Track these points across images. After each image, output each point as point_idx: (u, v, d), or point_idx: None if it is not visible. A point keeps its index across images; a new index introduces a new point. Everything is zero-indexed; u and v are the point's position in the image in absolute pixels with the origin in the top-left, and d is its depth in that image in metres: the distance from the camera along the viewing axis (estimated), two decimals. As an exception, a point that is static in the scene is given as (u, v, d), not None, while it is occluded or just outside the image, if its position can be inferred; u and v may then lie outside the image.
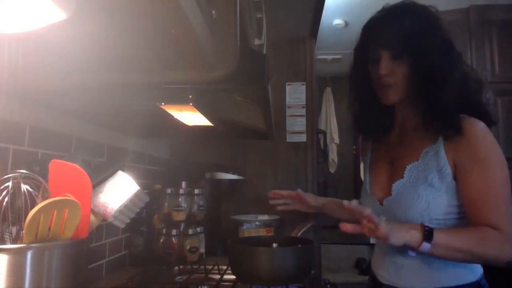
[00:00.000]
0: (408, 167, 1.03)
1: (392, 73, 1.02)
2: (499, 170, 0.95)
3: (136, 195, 0.96)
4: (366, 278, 0.96)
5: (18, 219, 0.67)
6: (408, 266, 1.01)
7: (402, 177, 1.04)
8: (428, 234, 0.89)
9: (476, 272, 1.00)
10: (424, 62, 0.98)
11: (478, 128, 0.97)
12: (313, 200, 1.57)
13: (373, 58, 1.05)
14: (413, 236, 0.90)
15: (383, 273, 1.08)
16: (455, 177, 0.98)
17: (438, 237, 0.89)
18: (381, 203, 1.08)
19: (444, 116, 0.98)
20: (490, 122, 1.01)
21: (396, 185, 1.04)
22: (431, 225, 0.93)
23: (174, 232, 1.44)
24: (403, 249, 0.96)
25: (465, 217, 0.98)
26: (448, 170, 0.97)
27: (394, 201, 1.04)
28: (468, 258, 0.95)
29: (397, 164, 1.07)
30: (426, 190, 0.98)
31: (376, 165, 1.16)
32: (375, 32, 1.06)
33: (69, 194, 0.71)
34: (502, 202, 0.94)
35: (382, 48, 1.02)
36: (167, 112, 0.93)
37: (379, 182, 1.12)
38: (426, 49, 0.98)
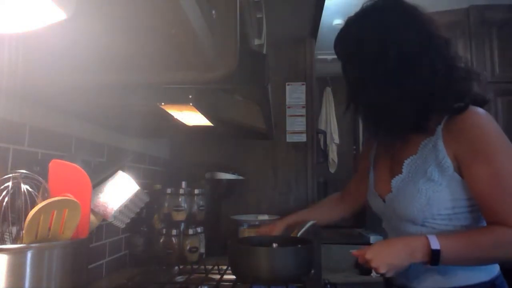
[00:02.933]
0: (406, 161, 1.00)
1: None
2: (505, 161, 0.88)
3: (136, 195, 0.96)
4: (366, 278, 0.96)
5: (18, 219, 0.67)
6: (417, 266, 0.95)
7: (401, 172, 1.00)
8: (434, 257, 0.85)
9: (490, 271, 0.96)
10: (359, 68, 1.01)
11: (476, 117, 0.91)
12: (276, 229, 1.33)
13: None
14: (417, 258, 0.86)
15: None
16: (458, 170, 0.92)
17: (445, 255, 0.84)
18: (384, 200, 1.05)
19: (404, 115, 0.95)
20: (483, 104, 0.97)
21: (395, 181, 1.01)
22: (433, 224, 0.92)
23: (174, 232, 1.44)
24: None
25: (475, 210, 0.93)
26: (448, 163, 0.92)
27: (394, 198, 1.01)
28: (482, 263, 0.93)
29: (397, 159, 1.04)
30: (426, 185, 0.94)
31: (379, 160, 1.13)
32: (335, 47, 1.09)
33: (69, 194, 0.71)
34: (511, 196, 0.87)
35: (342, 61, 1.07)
36: (167, 112, 0.93)
37: (382, 178, 1.09)
38: (358, 56, 1.00)
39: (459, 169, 0.92)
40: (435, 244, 0.85)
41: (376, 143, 1.18)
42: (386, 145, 1.11)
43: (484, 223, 0.95)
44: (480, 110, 0.93)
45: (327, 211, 1.40)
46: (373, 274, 0.92)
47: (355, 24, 1.03)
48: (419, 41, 0.94)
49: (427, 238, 0.86)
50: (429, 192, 0.93)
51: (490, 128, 0.91)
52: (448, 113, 0.95)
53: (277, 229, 1.33)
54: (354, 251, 0.94)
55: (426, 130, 0.96)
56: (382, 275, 0.88)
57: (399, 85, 0.94)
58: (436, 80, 0.93)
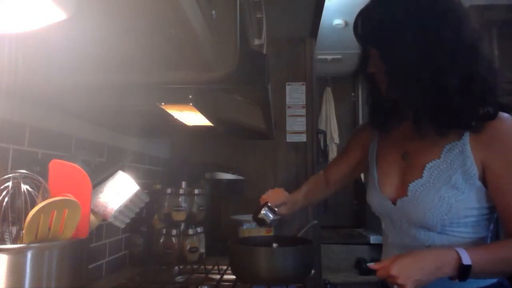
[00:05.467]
0: (428, 165, 0.93)
1: (380, 70, 0.96)
2: None
3: (136, 195, 0.96)
4: (366, 278, 0.94)
5: (18, 219, 0.67)
6: None
7: (421, 177, 0.93)
8: (464, 273, 0.80)
9: None
10: (390, 56, 0.91)
11: (507, 123, 0.87)
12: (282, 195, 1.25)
13: (364, 54, 1.01)
14: (446, 273, 0.82)
15: None
16: (481, 178, 0.88)
17: (474, 270, 0.80)
18: (394, 203, 0.98)
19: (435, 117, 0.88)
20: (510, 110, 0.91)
21: (413, 186, 0.94)
22: (448, 231, 0.89)
23: (174, 232, 1.44)
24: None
25: (490, 219, 0.91)
26: (474, 170, 0.87)
27: (410, 203, 0.94)
28: (502, 275, 0.91)
29: (413, 161, 0.97)
30: (449, 192, 0.88)
31: (386, 159, 1.06)
32: (355, 27, 0.99)
33: (69, 194, 0.71)
34: None
35: (367, 44, 0.98)
36: (167, 112, 0.92)
37: (391, 179, 1.01)
38: (393, 42, 0.89)
39: (482, 177, 0.88)
40: (466, 259, 0.80)
41: (379, 138, 1.11)
42: (394, 143, 1.04)
43: (490, 230, 0.94)
44: (508, 115, 0.89)
45: (313, 193, 1.33)
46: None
47: (388, 2, 0.94)
48: (455, 27, 0.87)
49: (457, 253, 0.81)
50: (451, 200, 0.88)
51: None
52: (475, 117, 0.88)
53: (281, 197, 1.21)
54: (372, 265, 0.87)
55: (452, 129, 0.90)
56: None
57: (434, 73, 0.86)
58: (472, 73, 0.87)
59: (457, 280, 0.82)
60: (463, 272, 0.80)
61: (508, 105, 0.92)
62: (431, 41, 0.87)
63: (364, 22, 0.98)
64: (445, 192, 0.89)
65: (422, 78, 0.88)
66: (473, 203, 0.89)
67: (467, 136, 0.90)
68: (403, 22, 0.89)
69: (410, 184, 0.95)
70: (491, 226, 0.95)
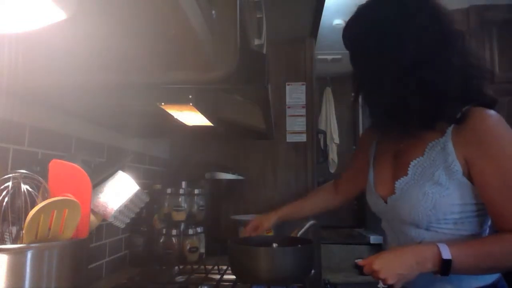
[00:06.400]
0: (412, 163, 0.96)
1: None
2: None
3: (136, 195, 0.96)
4: (366, 278, 0.94)
5: (18, 219, 0.67)
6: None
7: (406, 174, 0.96)
8: (445, 268, 0.81)
9: (492, 274, 0.94)
10: (357, 64, 1.00)
11: (489, 120, 0.88)
12: (266, 222, 1.33)
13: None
14: (427, 268, 0.83)
15: None
16: (467, 174, 0.89)
17: (456, 265, 0.81)
18: (386, 201, 1.02)
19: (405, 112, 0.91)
20: (493, 105, 0.93)
21: (399, 183, 0.97)
22: (437, 228, 0.90)
23: (174, 232, 1.45)
24: None
25: (480, 215, 0.91)
26: (457, 166, 0.88)
27: (398, 200, 0.97)
28: (493, 272, 0.91)
29: (401, 159, 1.00)
30: (432, 188, 0.90)
31: (380, 160, 1.09)
32: (343, 36, 1.06)
33: (69, 194, 0.71)
34: None
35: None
36: (167, 112, 0.92)
37: (383, 179, 1.05)
38: (359, 51, 0.99)
39: (468, 173, 0.89)
40: (446, 254, 0.82)
41: (377, 141, 1.15)
42: (389, 144, 1.07)
43: (487, 227, 0.94)
44: (491, 112, 0.90)
45: (320, 202, 1.38)
46: (380, 285, 0.85)
47: (370, 12, 0.98)
48: (438, 33, 0.90)
49: (438, 248, 0.83)
50: (435, 196, 0.90)
51: (503, 133, 0.88)
52: (457, 114, 0.91)
53: (267, 222, 1.31)
54: (359, 261, 0.90)
55: (434, 127, 0.92)
56: (390, 286, 0.85)
57: (415, 78, 0.89)
58: (452, 75, 0.89)
59: (439, 275, 0.83)
60: (444, 267, 0.81)
61: (493, 99, 0.94)
62: (391, 48, 0.92)
63: (343, 33, 1.05)
64: (429, 188, 0.91)
65: (384, 84, 0.93)
66: (459, 199, 0.90)
67: (449, 133, 0.91)
68: (370, 33, 0.96)
69: (396, 182, 0.98)
70: (488, 224, 0.94)
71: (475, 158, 0.88)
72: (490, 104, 0.93)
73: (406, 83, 0.90)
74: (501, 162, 0.86)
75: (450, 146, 0.90)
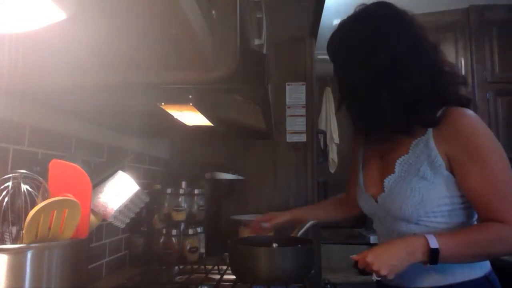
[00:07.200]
0: (398, 161, 1.01)
1: None
2: (497, 160, 0.91)
3: (136, 195, 0.96)
4: (366, 278, 0.95)
5: (18, 219, 0.67)
6: (413, 265, 0.92)
7: (394, 172, 1.02)
8: (433, 256, 0.86)
9: (484, 267, 0.98)
10: (337, 75, 1.07)
11: (466, 119, 0.94)
12: (280, 217, 1.35)
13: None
14: (417, 258, 0.87)
15: None
16: (450, 170, 0.94)
17: (444, 254, 0.86)
18: (376, 200, 1.06)
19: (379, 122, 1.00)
20: (468, 104, 1.00)
21: (388, 181, 1.03)
22: (427, 222, 0.94)
23: (174, 232, 1.44)
24: None
25: (467, 207, 0.96)
26: (439, 161, 0.94)
27: (387, 197, 1.02)
28: (481, 259, 0.95)
29: (388, 159, 1.06)
30: (419, 183, 0.96)
31: (368, 161, 1.15)
32: (327, 49, 1.12)
33: (69, 194, 0.71)
34: (506, 193, 0.89)
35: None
36: (167, 112, 0.92)
37: (372, 179, 1.10)
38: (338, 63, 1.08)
39: (450, 167, 0.95)
40: (433, 243, 0.86)
41: (364, 144, 1.20)
42: (375, 146, 1.13)
43: (475, 219, 0.98)
44: (468, 111, 0.96)
45: (332, 210, 1.43)
46: (374, 277, 0.90)
47: (347, 27, 1.06)
48: (409, 45, 0.98)
49: (425, 238, 0.87)
50: (422, 190, 0.95)
51: (480, 129, 0.94)
52: (433, 118, 0.97)
53: (281, 217, 1.34)
54: (354, 256, 0.93)
55: (413, 132, 0.99)
56: (384, 277, 0.88)
57: (388, 88, 0.96)
58: (424, 83, 0.96)
59: (428, 265, 0.87)
60: (432, 255, 0.86)
61: (467, 99, 1.02)
62: (364, 57, 0.99)
63: (327, 47, 1.12)
64: (416, 184, 0.96)
65: (359, 91, 1.01)
66: (445, 192, 0.95)
67: (430, 131, 0.98)
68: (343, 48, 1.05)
69: (385, 180, 1.03)
70: (476, 216, 0.99)
71: (455, 153, 0.93)
72: (466, 104, 1.00)
73: (379, 91, 0.97)
74: (480, 155, 0.91)
75: (431, 143, 0.96)
